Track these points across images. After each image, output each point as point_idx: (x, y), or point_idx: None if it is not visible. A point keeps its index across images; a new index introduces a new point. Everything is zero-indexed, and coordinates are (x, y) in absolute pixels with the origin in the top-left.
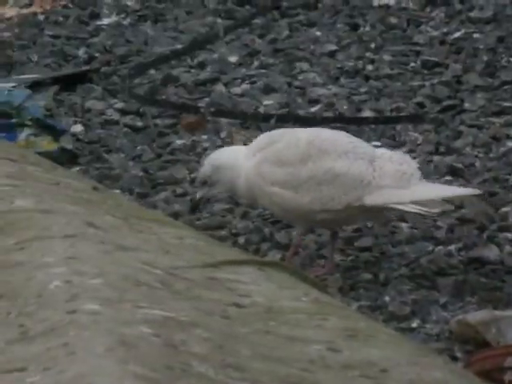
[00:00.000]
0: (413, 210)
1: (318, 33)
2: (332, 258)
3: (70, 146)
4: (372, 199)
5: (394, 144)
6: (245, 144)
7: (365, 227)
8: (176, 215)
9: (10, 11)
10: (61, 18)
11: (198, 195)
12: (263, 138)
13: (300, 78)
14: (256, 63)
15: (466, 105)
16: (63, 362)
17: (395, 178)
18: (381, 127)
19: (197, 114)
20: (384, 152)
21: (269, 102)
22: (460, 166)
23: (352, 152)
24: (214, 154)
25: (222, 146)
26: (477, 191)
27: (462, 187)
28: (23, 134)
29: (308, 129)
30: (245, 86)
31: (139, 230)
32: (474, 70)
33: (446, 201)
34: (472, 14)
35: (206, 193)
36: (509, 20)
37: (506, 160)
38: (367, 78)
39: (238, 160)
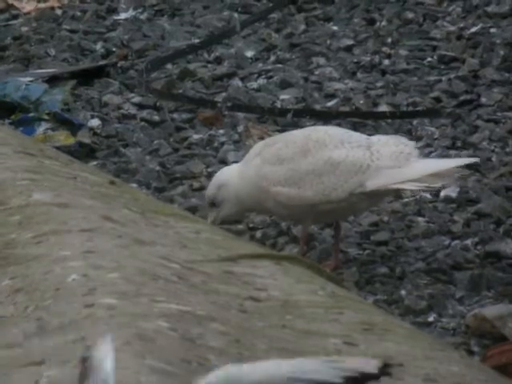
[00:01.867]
0: (414, 188)
1: (335, 27)
2: (337, 252)
3: (87, 140)
4: (373, 183)
5: (411, 138)
6: (261, 138)
7: (381, 221)
8: (193, 209)
9: (28, 6)
10: (78, 13)
11: (209, 220)
12: (256, 146)
13: (316, 72)
14: (272, 58)
15: (483, 99)
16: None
17: (393, 159)
18: (397, 122)
19: (214, 108)
20: (380, 138)
21: (285, 97)
22: (477, 160)
23: (348, 141)
24: (217, 174)
25: (238, 141)
26: (472, 159)
27: (458, 158)
28: (41, 129)
29: (302, 129)
30: (261, 80)
31: (156, 225)
32: (490, 65)
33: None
34: (489, 9)
35: (217, 215)
36: None
37: None
38: (384, 73)
39: (236, 175)
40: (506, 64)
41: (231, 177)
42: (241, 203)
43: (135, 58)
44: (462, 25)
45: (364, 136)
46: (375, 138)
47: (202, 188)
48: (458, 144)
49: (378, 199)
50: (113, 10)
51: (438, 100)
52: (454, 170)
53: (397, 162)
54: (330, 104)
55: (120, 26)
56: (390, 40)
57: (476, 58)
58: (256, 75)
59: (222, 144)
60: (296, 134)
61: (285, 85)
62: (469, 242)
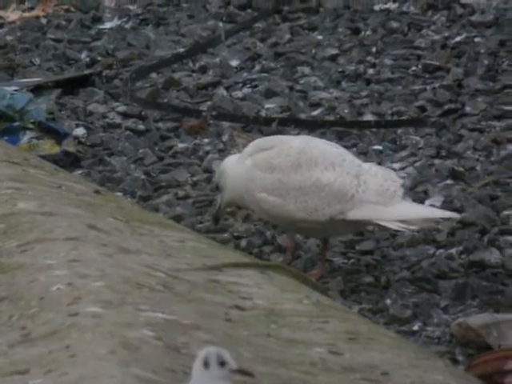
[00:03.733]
0: (392, 227)
1: (320, 37)
2: (323, 261)
3: (72, 149)
4: (354, 214)
5: (395, 147)
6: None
7: (366, 231)
8: (178, 218)
9: (13, 15)
10: (63, 22)
11: (217, 205)
12: (254, 143)
13: (301, 81)
14: (257, 67)
15: (467, 108)
16: (65, 365)
17: (378, 194)
18: (382, 131)
19: (198, 117)
20: (370, 166)
21: (270, 106)
22: (461, 169)
23: (339, 165)
24: (224, 160)
25: (223, 150)
26: (455, 215)
27: (441, 210)
28: (26, 138)
29: (300, 137)
30: (246, 89)
31: (141, 233)
32: (475, 74)
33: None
34: (473, 18)
35: (221, 200)
36: (510, 24)
37: (506, 163)
38: (368, 82)
39: (233, 166)
40: (490, 73)
41: (229, 167)
42: (233, 193)
43: (120, 67)
44: (446, 34)
45: (357, 161)
46: (366, 166)
47: (187, 197)
48: (443, 153)
49: (358, 227)
50: (98, 19)
51: (422, 109)
52: (436, 220)
53: (381, 199)
54: (314, 113)
55: (105, 35)
56: (374, 49)
57: (460, 67)
58: (241, 84)
59: (207, 153)
60: (291, 145)
61: (270, 94)
62: (453, 251)
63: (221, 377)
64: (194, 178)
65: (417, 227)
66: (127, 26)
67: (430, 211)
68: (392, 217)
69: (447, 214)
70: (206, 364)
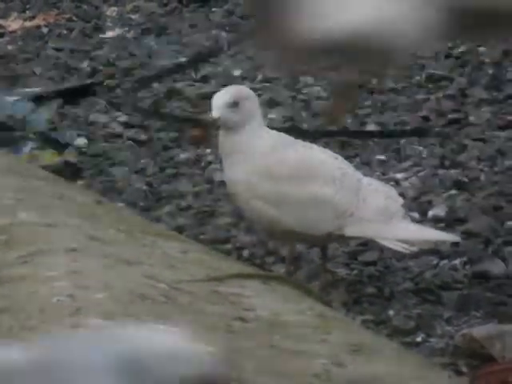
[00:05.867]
0: (392, 246)
1: None
2: (323, 271)
3: (73, 160)
4: (352, 231)
5: (399, 158)
6: None
7: (369, 241)
8: (180, 229)
9: (14, 24)
10: (64, 31)
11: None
12: (272, 135)
13: (304, 91)
14: (260, 77)
15: (471, 118)
16: None
17: (377, 213)
18: (385, 141)
19: (201, 127)
20: (371, 182)
21: (273, 116)
22: (465, 179)
23: (339, 180)
24: None
25: None
26: (456, 238)
27: (443, 232)
28: (27, 148)
29: (302, 145)
30: None
31: (143, 244)
32: (479, 84)
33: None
34: None
35: None
36: None
37: (511, 174)
38: (371, 92)
39: None
40: (494, 83)
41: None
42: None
43: (122, 76)
44: (450, 43)
45: (357, 175)
46: (366, 181)
47: (190, 207)
48: (447, 163)
49: (356, 241)
50: (99, 29)
51: (426, 119)
52: (435, 242)
53: (381, 218)
54: (317, 123)
55: (106, 45)
56: None
57: (464, 76)
58: None
59: (210, 163)
60: (290, 155)
61: (272, 104)
62: (457, 261)
63: None
64: (196, 189)
65: (416, 248)
66: (129, 35)
67: (430, 233)
68: (391, 236)
69: (447, 236)
70: None
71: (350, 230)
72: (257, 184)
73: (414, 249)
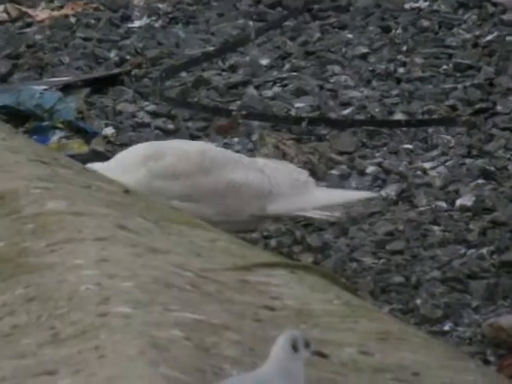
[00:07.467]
0: (316, 216)
1: (350, 35)
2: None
3: (101, 149)
4: (274, 208)
5: (426, 147)
6: (276, 147)
7: (396, 230)
8: None
9: (42, 14)
10: (92, 21)
11: None
12: (139, 154)
13: (331, 80)
14: (287, 66)
15: (499, 107)
16: (94, 365)
17: (292, 186)
18: (412, 130)
19: (228, 116)
20: (266, 162)
21: (300, 105)
22: (492, 168)
23: (243, 164)
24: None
25: (253, 149)
26: (372, 194)
27: (360, 191)
28: (55, 137)
29: (183, 141)
30: (276, 88)
31: (170, 233)
32: (506, 73)
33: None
34: (505, 17)
35: None
36: None
37: None
38: (399, 81)
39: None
40: None
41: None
42: None
43: (149, 66)
44: (477, 33)
45: (248, 158)
46: (261, 162)
47: None
48: (474, 152)
49: (278, 220)
50: (127, 18)
51: (453, 108)
52: (356, 202)
53: (296, 190)
54: (345, 112)
55: (134, 34)
56: (405, 48)
57: (492, 65)
58: (271, 83)
59: (237, 152)
60: (188, 149)
61: (300, 93)
62: (484, 250)
63: (305, 359)
64: None
65: (340, 213)
66: (157, 24)
67: (348, 194)
68: (312, 205)
69: (365, 194)
70: (295, 347)
71: (273, 209)
72: (164, 186)
73: (338, 214)
